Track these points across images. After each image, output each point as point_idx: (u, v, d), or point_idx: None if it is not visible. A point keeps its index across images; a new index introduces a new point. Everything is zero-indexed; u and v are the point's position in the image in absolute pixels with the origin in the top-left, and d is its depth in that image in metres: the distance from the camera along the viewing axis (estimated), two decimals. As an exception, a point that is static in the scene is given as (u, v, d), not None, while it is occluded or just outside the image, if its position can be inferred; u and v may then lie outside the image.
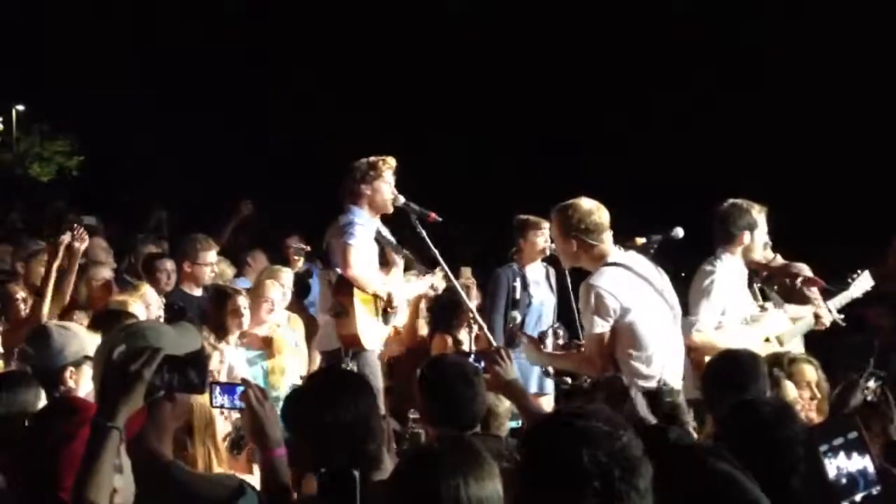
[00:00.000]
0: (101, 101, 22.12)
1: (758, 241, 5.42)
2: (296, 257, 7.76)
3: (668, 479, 2.06)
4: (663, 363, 4.54)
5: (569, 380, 5.71)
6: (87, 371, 3.24)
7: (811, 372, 4.39)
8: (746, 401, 3.08)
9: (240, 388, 2.73)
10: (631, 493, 1.87)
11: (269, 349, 5.67)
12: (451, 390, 3.39)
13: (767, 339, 5.29)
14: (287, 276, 6.56)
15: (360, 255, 5.42)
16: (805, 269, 6.37)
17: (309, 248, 7.69)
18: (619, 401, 3.30)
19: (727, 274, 5.28)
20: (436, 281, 5.97)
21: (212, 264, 6.52)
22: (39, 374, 3.23)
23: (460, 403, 3.40)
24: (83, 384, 3.26)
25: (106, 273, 6.20)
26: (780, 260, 6.28)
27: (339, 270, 5.47)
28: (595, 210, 4.62)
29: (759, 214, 5.38)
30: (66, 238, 4.93)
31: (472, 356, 3.62)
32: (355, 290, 5.42)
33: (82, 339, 3.35)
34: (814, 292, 6.16)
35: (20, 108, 27.05)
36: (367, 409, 2.61)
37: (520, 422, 4.79)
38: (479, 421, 3.50)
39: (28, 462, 2.44)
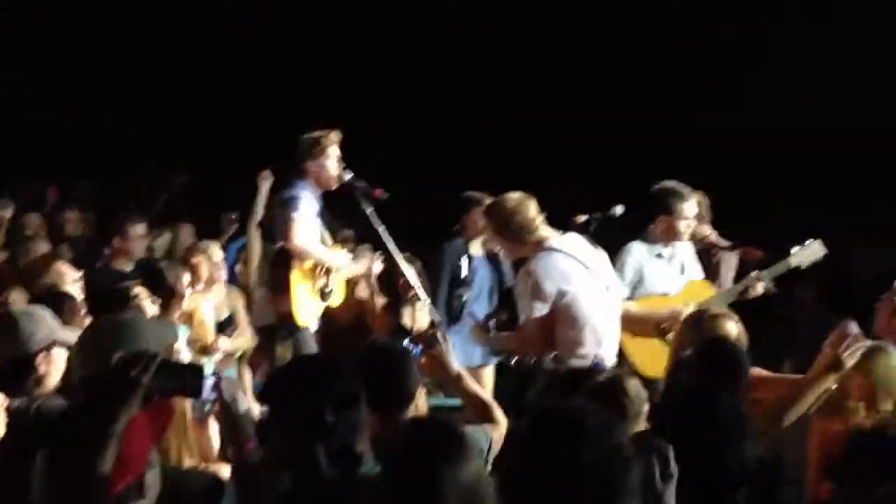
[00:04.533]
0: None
1: (679, 226, 5.59)
2: (228, 226, 7.70)
3: None
4: (598, 342, 4.75)
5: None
6: (57, 355, 3.19)
7: (731, 326, 4.58)
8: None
9: (211, 380, 2.76)
10: (622, 491, 2.00)
11: (190, 323, 5.59)
12: (382, 371, 3.31)
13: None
14: (217, 250, 6.49)
15: (304, 228, 5.42)
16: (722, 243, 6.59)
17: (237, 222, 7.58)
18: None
19: (638, 253, 5.56)
20: (374, 265, 5.99)
21: (142, 237, 6.41)
22: (11, 363, 3.14)
23: (391, 383, 3.33)
24: (54, 370, 3.20)
25: (45, 247, 6.09)
26: (713, 238, 6.51)
27: (280, 244, 5.46)
28: (518, 206, 4.79)
29: (681, 201, 5.56)
30: None
31: (408, 340, 3.63)
32: (294, 265, 5.41)
33: (49, 322, 3.24)
34: (730, 263, 6.38)
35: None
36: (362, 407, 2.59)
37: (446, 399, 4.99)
38: (412, 400, 3.41)
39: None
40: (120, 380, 2.29)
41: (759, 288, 5.56)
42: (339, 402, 2.50)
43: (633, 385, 3.58)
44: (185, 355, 4.94)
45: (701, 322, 4.53)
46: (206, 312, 5.55)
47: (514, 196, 4.84)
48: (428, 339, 3.60)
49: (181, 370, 2.42)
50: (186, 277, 5.50)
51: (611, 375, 3.65)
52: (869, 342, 4.31)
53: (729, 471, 2.76)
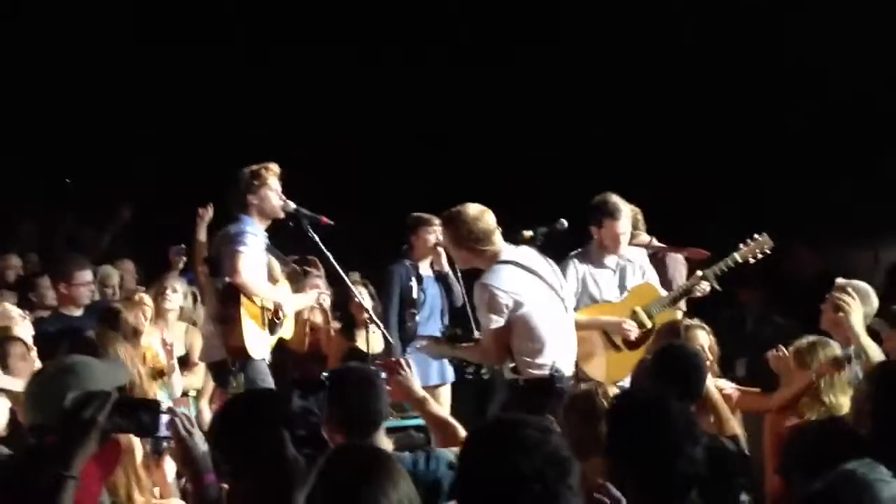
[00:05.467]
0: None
1: (613, 238, 5.66)
2: (177, 258, 7.63)
3: None
4: (556, 352, 4.79)
5: (471, 369, 5.96)
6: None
7: (703, 336, 4.72)
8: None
9: (165, 417, 2.74)
10: (565, 492, 2.11)
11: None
12: (355, 394, 3.43)
13: (635, 312, 5.56)
14: (179, 283, 6.46)
15: (250, 263, 5.44)
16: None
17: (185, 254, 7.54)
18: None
19: (576, 264, 5.67)
20: (322, 297, 6.00)
21: (89, 283, 6.32)
22: None
23: (365, 406, 3.44)
24: None
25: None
26: (655, 244, 6.62)
27: (227, 279, 5.45)
28: (480, 216, 4.82)
29: (613, 217, 5.63)
30: None
31: (373, 367, 3.72)
32: (242, 299, 5.43)
33: None
34: (680, 264, 6.46)
35: None
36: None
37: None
38: (383, 422, 3.53)
39: None
40: (75, 421, 2.28)
41: (705, 287, 5.63)
42: (304, 389, 2.55)
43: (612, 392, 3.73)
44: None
45: (673, 331, 4.68)
46: (157, 347, 5.53)
47: (475, 206, 4.87)
48: (391, 366, 3.67)
49: (136, 408, 2.41)
50: (142, 315, 5.51)
51: (589, 387, 3.79)
52: (812, 337, 4.44)
53: (677, 477, 2.80)
